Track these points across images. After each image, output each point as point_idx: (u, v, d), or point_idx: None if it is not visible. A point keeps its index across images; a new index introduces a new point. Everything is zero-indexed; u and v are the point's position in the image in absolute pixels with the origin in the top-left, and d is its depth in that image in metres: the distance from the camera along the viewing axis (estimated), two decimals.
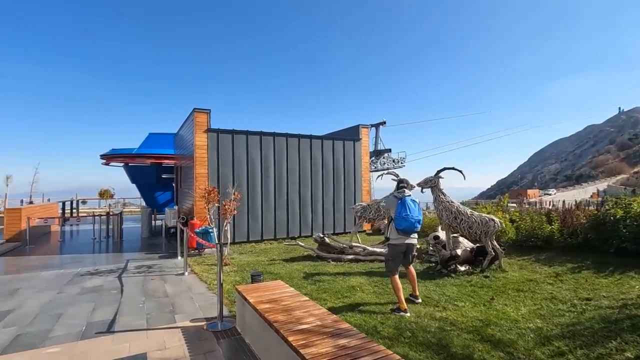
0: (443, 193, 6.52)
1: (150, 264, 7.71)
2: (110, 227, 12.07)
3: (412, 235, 4.42)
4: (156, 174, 19.01)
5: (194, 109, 9.93)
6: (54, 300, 5.05)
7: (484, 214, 6.51)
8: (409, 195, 4.49)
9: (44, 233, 13.40)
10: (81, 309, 4.64)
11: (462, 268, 6.20)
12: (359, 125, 12.80)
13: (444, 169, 6.62)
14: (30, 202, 22.90)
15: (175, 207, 12.58)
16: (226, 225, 7.53)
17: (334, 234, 11.31)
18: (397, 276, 4.37)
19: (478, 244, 6.74)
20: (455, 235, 7.03)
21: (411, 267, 4.67)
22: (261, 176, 10.72)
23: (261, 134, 10.85)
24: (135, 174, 19.48)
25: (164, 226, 12.64)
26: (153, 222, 12.97)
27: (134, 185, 20.86)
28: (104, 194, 28.87)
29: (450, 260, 6.18)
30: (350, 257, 7.56)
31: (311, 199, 11.55)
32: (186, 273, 6.66)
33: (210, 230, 8.94)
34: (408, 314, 4.23)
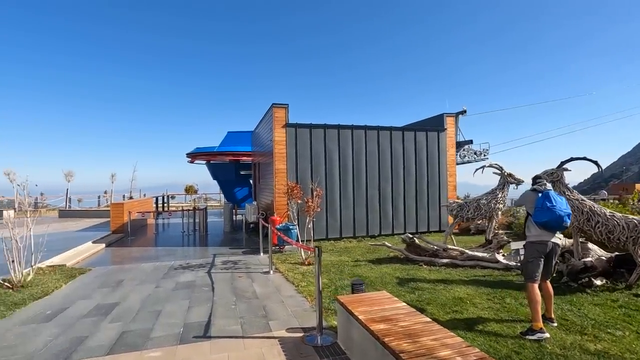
0: (569, 189, 5.34)
1: (235, 260, 7.75)
2: (197, 220, 12.74)
3: (557, 234, 3.55)
4: (235, 170, 19.87)
5: (273, 104, 9.84)
6: (152, 295, 5.16)
7: (630, 216, 5.16)
8: (551, 190, 3.60)
9: (142, 225, 14.72)
10: (178, 306, 4.62)
11: (599, 282, 4.99)
12: (443, 114, 11.64)
13: (571, 159, 5.42)
14: (130, 198, 25.74)
15: (254, 203, 12.80)
16: (309, 222, 7.20)
17: (416, 233, 10.44)
18: (536, 285, 3.52)
19: (617, 253, 5.41)
20: (583, 241, 5.76)
21: (548, 283, 3.75)
22: (339, 171, 10.28)
23: (339, 127, 10.39)
24: (216, 171, 20.61)
25: (244, 221, 12.97)
26: (234, 217, 13.41)
27: (214, 181, 22.15)
28: (189, 190, 31.33)
29: (583, 271, 5.01)
30: (444, 261, 6.71)
31: (392, 194, 10.80)
32: (271, 272, 6.48)
33: (292, 227, 8.76)
34: (546, 335, 3.37)
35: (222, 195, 33.75)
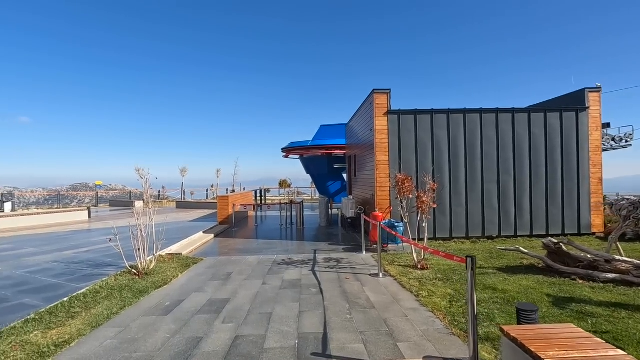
0: None
1: (338, 258, 7.25)
2: (293, 214, 12.77)
3: None
4: (327, 164, 19.71)
5: (373, 90, 9.06)
6: (261, 293, 4.90)
7: None
8: None
9: (244, 217, 15.49)
10: (288, 310, 4.22)
11: None
12: (583, 89, 9.36)
13: None
14: (232, 191, 27.89)
15: (351, 197, 12.27)
16: (423, 220, 6.26)
17: (546, 235, 8.60)
18: None
19: None
20: None
21: None
22: (449, 162, 9.02)
23: (448, 111, 9.10)
24: (309, 165, 20.78)
25: (340, 216, 12.56)
26: (330, 211, 13.12)
27: (305, 175, 22.41)
28: (282, 184, 32.68)
29: None
30: (610, 276, 5.11)
31: (514, 189, 9.10)
32: (381, 274, 5.76)
33: (397, 224, 7.91)
34: None
35: (312, 190, 34.49)
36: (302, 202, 13.12)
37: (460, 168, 9.05)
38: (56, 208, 24.45)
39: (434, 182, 6.48)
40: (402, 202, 6.56)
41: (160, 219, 14.50)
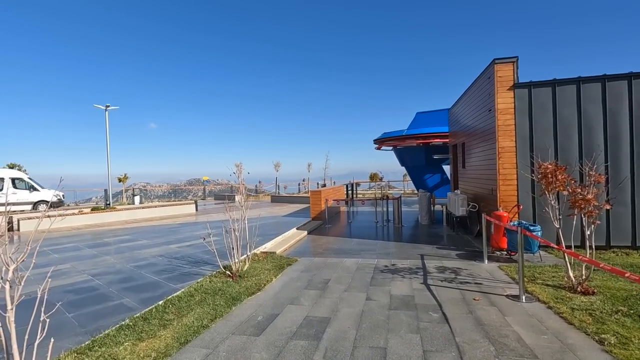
0: None
1: (453, 267, 5.92)
2: (389, 210, 11.60)
3: None
4: (424, 155, 17.91)
5: (494, 60, 7.31)
6: (367, 314, 3.97)
7: None
8: None
9: (336, 212, 14.87)
10: (406, 345, 3.20)
11: None
12: None
13: None
14: (323, 185, 27.83)
15: (457, 192, 10.56)
16: (590, 225, 4.55)
17: None
18: None
19: None
20: None
21: None
22: (605, 146, 6.79)
23: (604, 78, 6.84)
24: (403, 156, 19.23)
25: (444, 213, 10.96)
26: (432, 207, 11.58)
27: (397, 168, 20.85)
28: (373, 177, 31.48)
29: None
30: None
31: None
32: (523, 297, 4.30)
33: (533, 227, 6.18)
34: None
35: (405, 183, 32.49)
36: (400, 197, 11.85)
37: (622, 154, 6.74)
38: (173, 201, 27.62)
39: (601, 175, 4.68)
40: (550, 200, 4.89)
41: (255, 214, 14.82)
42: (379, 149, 20.02)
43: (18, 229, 11.58)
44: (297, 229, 10.39)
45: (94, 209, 13.85)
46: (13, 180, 18.76)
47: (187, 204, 16.62)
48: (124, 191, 26.49)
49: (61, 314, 4.07)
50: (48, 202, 19.66)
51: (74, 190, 27.21)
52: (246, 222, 6.11)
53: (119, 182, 25.93)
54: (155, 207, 15.52)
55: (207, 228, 5.91)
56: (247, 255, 6.02)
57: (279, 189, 30.77)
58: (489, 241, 6.91)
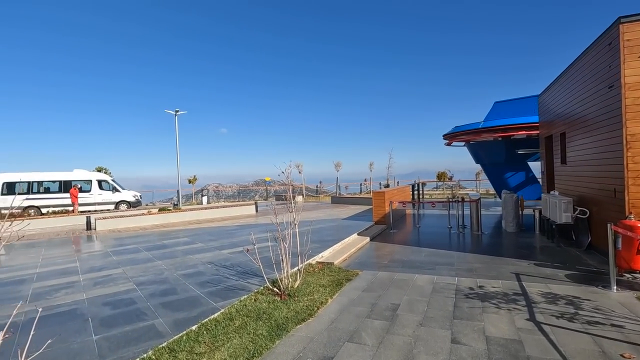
0: None
1: (566, 295, 4.41)
2: (463, 214, 9.97)
3: None
4: (505, 150, 15.60)
5: (619, 19, 5.52)
6: None
7: None
8: None
9: (401, 216, 13.50)
10: None
11: None
12: None
13: None
14: (387, 185, 26.31)
15: (554, 192, 8.62)
16: None
17: None
18: None
19: None
20: None
21: None
22: None
23: None
24: (478, 152, 17.03)
25: (537, 219, 9.06)
26: (520, 212, 9.69)
27: (467, 166, 18.62)
28: (441, 176, 29.06)
29: None
30: None
31: None
32: None
33: None
34: None
35: (478, 183, 29.39)
36: (480, 199, 10.15)
37: None
38: (237, 201, 28.40)
39: None
40: None
41: (313, 216, 14.09)
42: (449, 144, 18.03)
43: (95, 228, 12.30)
44: (359, 234, 9.35)
45: (161, 210, 14.38)
46: (99, 182, 20.60)
47: (247, 204, 16.56)
48: (193, 192, 27.90)
49: (87, 334, 3.60)
50: (128, 202, 21.29)
51: (151, 191, 29.41)
52: (297, 228, 5.26)
53: (189, 183, 27.35)
54: (217, 208, 15.66)
55: (252, 237, 5.12)
56: (299, 268, 5.17)
57: (339, 189, 29.97)
58: (616, 260, 5.17)
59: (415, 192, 18.82)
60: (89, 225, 12.32)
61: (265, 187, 31.05)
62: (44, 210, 18.72)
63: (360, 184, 32.12)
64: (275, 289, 4.68)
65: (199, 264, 6.66)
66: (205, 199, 26.63)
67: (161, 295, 4.83)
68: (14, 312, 2.27)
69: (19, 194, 18.96)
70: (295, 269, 5.15)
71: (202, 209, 15.26)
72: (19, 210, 17.89)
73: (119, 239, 10.36)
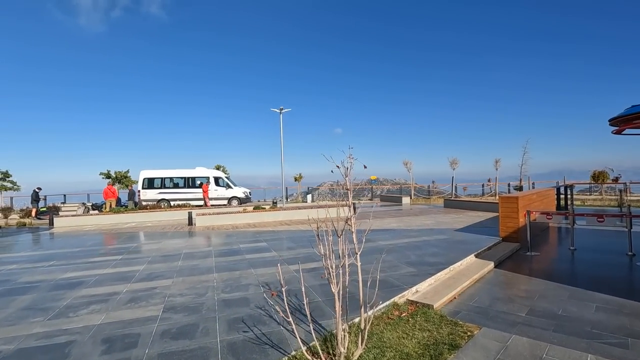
0: None
1: None
2: None
3: None
4: None
5: None
6: None
7: None
8: None
9: (542, 229, 9.93)
10: None
11: None
12: None
13: None
14: (519, 188, 21.32)
15: None
16: None
17: None
18: None
19: None
20: None
21: None
22: None
23: None
24: None
25: None
26: None
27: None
28: (599, 177, 22.19)
29: None
30: None
31: None
32: None
33: None
34: None
35: None
36: None
37: None
38: (339, 201, 27.36)
39: None
40: None
41: (418, 222, 11.59)
42: (619, 132, 12.97)
43: (194, 224, 12.59)
44: (477, 256, 6.73)
45: (255, 208, 14.10)
46: (216, 179, 22.16)
47: (345, 205, 15.06)
48: (299, 190, 28.04)
49: None
50: (239, 198, 22.39)
51: (262, 188, 30.82)
52: (358, 259, 3.35)
53: (295, 181, 27.57)
54: (312, 208, 14.62)
55: (279, 274, 3.34)
56: (366, 319, 3.22)
57: (456, 191, 25.95)
58: None
59: (564, 197, 14.24)
60: (190, 221, 12.68)
61: (370, 186, 29.21)
62: (173, 204, 20.98)
63: (483, 185, 27.28)
64: (322, 357, 2.86)
65: (254, 284, 5.32)
66: (309, 197, 26.40)
67: (172, 339, 3.52)
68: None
69: (156, 188, 21.76)
70: (365, 315, 3.23)
71: (297, 208, 14.43)
72: (155, 203, 20.49)
73: (206, 237, 10.09)
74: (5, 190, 24.34)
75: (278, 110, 22.30)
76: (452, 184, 25.32)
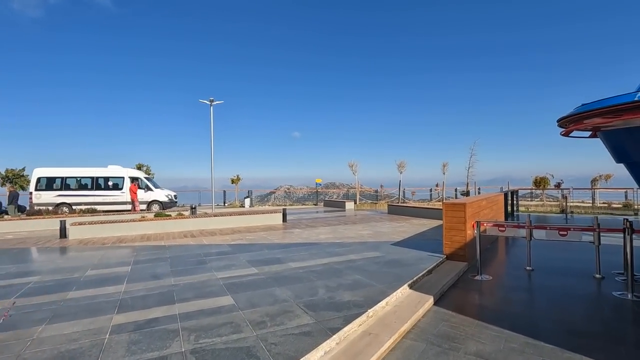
0: None
1: None
2: (611, 243, 4.79)
3: None
4: None
5: None
6: None
7: None
8: None
9: (491, 242, 8.48)
10: None
11: None
12: None
13: None
14: (466, 193, 20.51)
15: None
16: None
17: None
18: None
19: None
20: None
21: None
22: None
23: None
24: (624, 144, 10.95)
25: None
26: None
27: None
28: (540, 183, 22.09)
29: None
30: None
31: None
32: None
33: None
34: None
35: (596, 193, 21.79)
36: None
37: None
38: (297, 204, 25.07)
39: None
40: None
41: (352, 234, 9.60)
42: (566, 134, 12.14)
43: (67, 237, 9.62)
44: (412, 286, 4.84)
45: (157, 216, 11.41)
46: (133, 179, 18.84)
47: (275, 212, 12.80)
48: (236, 193, 25.33)
49: None
50: (160, 202, 19.22)
51: (199, 191, 27.56)
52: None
53: (232, 183, 24.83)
54: (235, 215, 12.18)
55: None
56: None
57: (404, 195, 24.84)
58: None
59: (511, 204, 13.22)
60: (62, 232, 9.69)
61: (316, 190, 27.27)
62: (75, 208, 17.39)
63: (431, 190, 26.51)
64: None
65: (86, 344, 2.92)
66: (247, 201, 23.83)
67: None
68: None
69: (54, 189, 17.97)
70: None
71: (214, 216, 11.93)
72: (52, 208, 16.77)
73: (60, 258, 7.34)
74: None
75: (208, 102, 19.59)
76: (399, 188, 24.17)
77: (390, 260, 6.25)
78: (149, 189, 19.14)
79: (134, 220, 10.56)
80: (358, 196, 23.45)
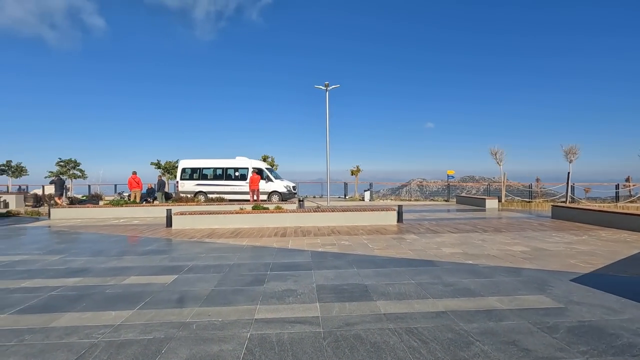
0: None
1: None
2: None
3: None
4: None
5: None
6: None
7: None
8: None
9: None
10: None
11: None
12: None
13: None
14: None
15: None
16: None
17: None
18: None
19: None
20: None
21: None
22: None
23: None
24: None
25: None
26: None
27: None
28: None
29: None
30: None
31: None
32: None
33: None
34: None
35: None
36: None
37: None
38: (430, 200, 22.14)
39: None
40: None
41: (494, 248, 5.97)
42: None
43: (171, 226, 9.52)
44: None
45: (254, 208, 10.44)
46: (256, 170, 19.29)
47: (389, 210, 10.34)
48: (356, 185, 23.65)
49: None
50: (279, 193, 19.14)
51: (321, 182, 27.16)
52: None
53: (352, 175, 23.27)
54: (332, 212, 10.29)
55: None
56: None
57: (572, 192, 18.46)
58: None
59: None
60: (169, 221, 9.65)
61: (447, 183, 23.17)
62: (210, 197, 18.74)
63: (617, 186, 19.09)
64: None
65: None
66: (367, 194, 21.87)
67: None
68: None
69: (194, 179, 19.86)
70: None
71: (314, 211, 10.32)
72: (190, 195, 18.55)
73: (118, 249, 6.80)
74: (75, 178, 25.55)
75: (324, 87, 18.31)
76: (568, 183, 18.03)
77: (580, 326, 3.14)
78: (269, 179, 19.22)
79: (231, 213, 9.86)
80: (504, 192, 18.46)
